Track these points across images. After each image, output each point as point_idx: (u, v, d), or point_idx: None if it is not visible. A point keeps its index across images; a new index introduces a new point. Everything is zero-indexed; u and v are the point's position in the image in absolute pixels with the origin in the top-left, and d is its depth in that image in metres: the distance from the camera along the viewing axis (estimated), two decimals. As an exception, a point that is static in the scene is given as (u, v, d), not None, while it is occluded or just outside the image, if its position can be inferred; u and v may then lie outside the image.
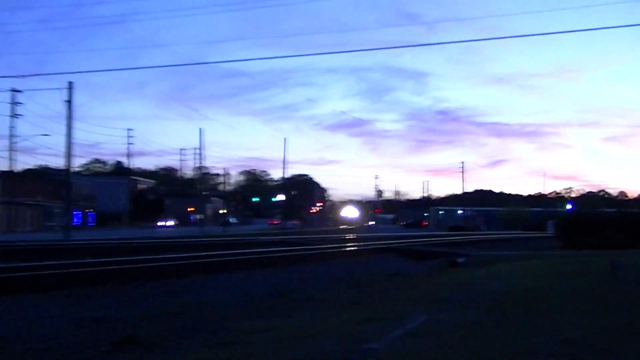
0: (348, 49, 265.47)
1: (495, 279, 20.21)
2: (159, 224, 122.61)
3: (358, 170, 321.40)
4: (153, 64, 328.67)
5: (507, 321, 11.16)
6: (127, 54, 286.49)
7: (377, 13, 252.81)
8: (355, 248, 40.47)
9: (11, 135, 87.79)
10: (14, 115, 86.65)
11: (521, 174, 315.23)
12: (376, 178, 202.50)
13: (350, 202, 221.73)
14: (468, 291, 16.45)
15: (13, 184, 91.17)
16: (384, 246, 42.66)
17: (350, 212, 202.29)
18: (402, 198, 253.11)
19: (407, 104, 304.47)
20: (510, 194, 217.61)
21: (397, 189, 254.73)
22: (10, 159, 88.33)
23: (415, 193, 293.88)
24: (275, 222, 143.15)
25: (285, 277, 23.22)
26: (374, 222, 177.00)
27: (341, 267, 28.64)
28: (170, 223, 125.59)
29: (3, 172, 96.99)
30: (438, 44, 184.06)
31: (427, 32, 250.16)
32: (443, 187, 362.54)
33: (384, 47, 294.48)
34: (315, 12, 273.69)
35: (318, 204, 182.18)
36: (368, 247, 40.94)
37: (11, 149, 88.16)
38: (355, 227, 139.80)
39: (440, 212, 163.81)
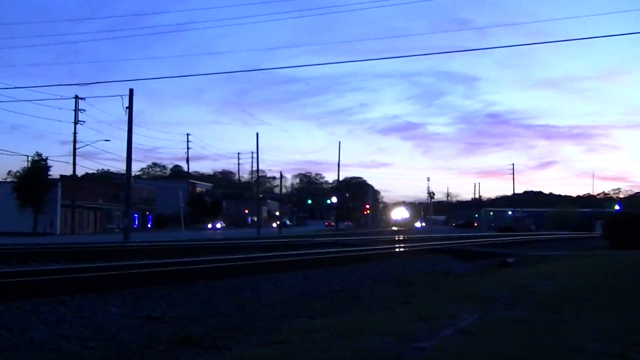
0: (400, 54, 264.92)
1: (543, 278, 20.25)
2: (209, 226, 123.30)
3: (410, 172, 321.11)
4: (210, 70, 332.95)
5: (555, 319, 11.26)
6: (186, 62, 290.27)
7: (428, 19, 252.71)
8: (407, 248, 40.50)
9: (74, 141, 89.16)
10: (77, 122, 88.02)
11: (570, 175, 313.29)
12: (428, 180, 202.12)
13: (402, 204, 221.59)
14: (517, 290, 16.54)
15: (75, 187, 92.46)
16: (435, 247, 42.64)
17: (401, 214, 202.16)
18: (453, 200, 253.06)
19: (458, 107, 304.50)
20: (559, 195, 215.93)
21: (448, 190, 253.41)
22: (74, 164, 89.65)
23: (466, 195, 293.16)
24: (332, 224, 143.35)
25: (338, 277, 23.39)
26: (425, 224, 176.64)
27: (393, 267, 28.73)
28: (218, 225, 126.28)
29: (66, 176, 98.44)
30: (488, 48, 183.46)
31: (477, 37, 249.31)
32: (493, 189, 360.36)
33: (435, 52, 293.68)
34: (367, 19, 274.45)
35: (371, 206, 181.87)
36: (420, 248, 40.93)
37: (74, 154, 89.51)
38: (406, 228, 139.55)
39: (490, 213, 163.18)
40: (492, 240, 58.67)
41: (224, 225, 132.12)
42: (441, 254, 38.16)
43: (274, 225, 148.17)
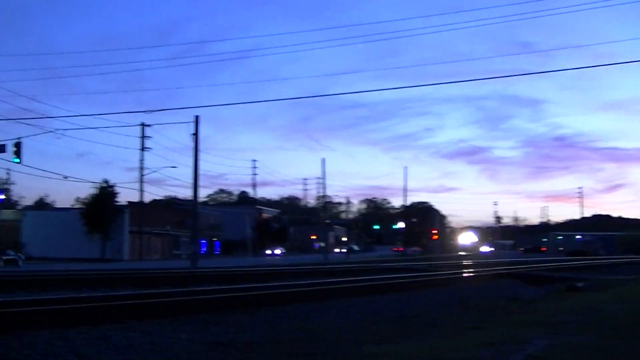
0: (465, 79, 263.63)
1: (614, 302, 19.89)
2: (267, 252, 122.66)
3: (477, 197, 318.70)
4: (275, 97, 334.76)
5: (627, 345, 11.06)
6: (250, 88, 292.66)
7: (492, 42, 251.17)
8: (475, 273, 40.18)
9: (141, 168, 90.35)
10: (143, 149, 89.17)
11: (639, 198, 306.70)
12: (495, 204, 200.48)
13: (469, 228, 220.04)
14: (587, 315, 16.26)
15: (142, 213, 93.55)
16: (503, 271, 42.24)
17: (468, 238, 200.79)
18: (521, 224, 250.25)
19: (524, 131, 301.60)
20: (628, 219, 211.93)
21: (515, 214, 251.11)
22: (141, 190, 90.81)
23: (534, 219, 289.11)
24: (400, 249, 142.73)
25: (406, 303, 23.27)
26: (493, 248, 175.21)
27: (461, 291, 28.51)
28: (278, 251, 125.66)
29: (133, 202, 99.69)
30: (553, 71, 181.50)
31: (542, 59, 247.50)
32: (561, 213, 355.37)
33: (499, 75, 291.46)
34: (431, 43, 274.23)
35: (438, 231, 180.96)
36: (487, 273, 40.58)
37: (141, 181, 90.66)
38: (474, 253, 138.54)
39: (558, 237, 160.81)
40: (561, 264, 57.86)
41: (284, 251, 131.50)
42: (509, 278, 37.79)
43: (340, 250, 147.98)
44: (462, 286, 31.45)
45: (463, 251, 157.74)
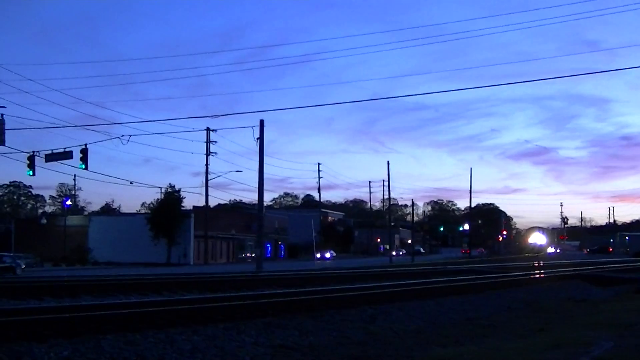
0: (530, 79, 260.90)
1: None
2: (317, 255, 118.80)
3: (543, 198, 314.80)
4: (339, 100, 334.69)
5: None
6: (315, 91, 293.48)
7: (557, 42, 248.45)
8: (541, 275, 39.74)
9: (206, 172, 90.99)
10: (209, 153, 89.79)
11: None
12: (561, 205, 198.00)
13: (535, 229, 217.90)
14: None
15: (208, 218, 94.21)
16: (569, 272, 41.72)
17: (537, 239, 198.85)
18: (587, 224, 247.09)
19: (590, 130, 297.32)
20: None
21: (582, 215, 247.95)
22: (206, 195, 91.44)
23: (600, 219, 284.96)
24: (467, 251, 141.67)
25: (472, 305, 23.11)
26: (559, 249, 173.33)
27: (527, 293, 28.24)
28: (328, 255, 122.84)
29: (198, 207, 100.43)
30: (620, 69, 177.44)
31: (608, 58, 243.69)
32: (628, 213, 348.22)
33: (565, 75, 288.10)
34: (495, 43, 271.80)
35: (504, 232, 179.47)
36: (554, 274, 40.12)
37: (206, 185, 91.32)
38: (540, 254, 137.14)
39: (626, 238, 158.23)
40: (629, 265, 56.91)
41: (334, 254, 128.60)
42: (576, 279, 37.32)
43: (406, 252, 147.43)
44: (529, 288, 31.13)
45: (531, 252, 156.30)
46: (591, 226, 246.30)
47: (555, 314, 20.20)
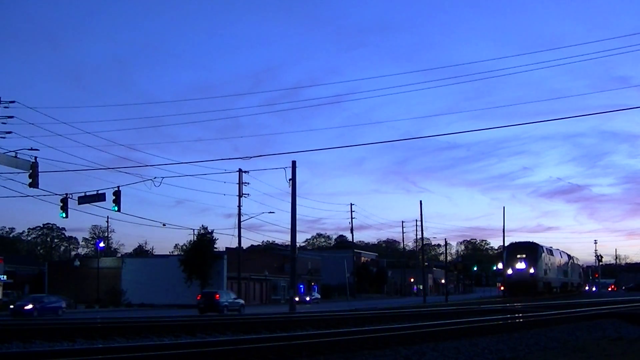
0: (561, 116, 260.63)
1: None
2: (307, 298, 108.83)
3: (576, 235, 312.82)
4: (371, 140, 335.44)
5: None
6: (346, 132, 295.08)
7: (588, 78, 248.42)
8: (576, 313, 39.30)
9: (239, 213, 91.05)
10: (241, 195, 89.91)
11: None
12: (595, 243, 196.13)
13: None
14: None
15: (240, 259, 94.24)
16: (605, 311, 41.25)
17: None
18: (622, 262, 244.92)
19: (623, 167, 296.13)
20: None
21: (616, 253, 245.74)
22: (239, 236, 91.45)
23: (636, 257, 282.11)
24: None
25: (506, 345, 22.87)
26: (594, 287, 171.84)
27: (562, 332, 27.94)
28: (307, 298, 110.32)
29: (231, 248, 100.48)
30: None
31: (639, 94, 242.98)
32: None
33: (596, 112, 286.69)
34: (526, 81, 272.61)
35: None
36: (588, 312, 39.68)
37: (239, 227, 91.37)
38: (577, 292, 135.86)
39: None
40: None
41: (318, 297, 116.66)
42: (611, 318, 36.87)
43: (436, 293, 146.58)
44: (563, 327, 30.79)
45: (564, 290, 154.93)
46: (626, 264, 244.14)
47: (592, 352, 19.94)
